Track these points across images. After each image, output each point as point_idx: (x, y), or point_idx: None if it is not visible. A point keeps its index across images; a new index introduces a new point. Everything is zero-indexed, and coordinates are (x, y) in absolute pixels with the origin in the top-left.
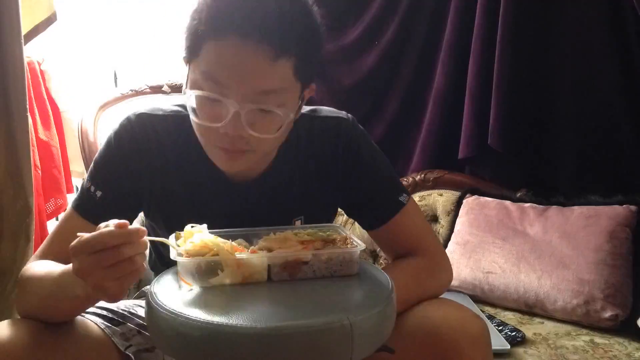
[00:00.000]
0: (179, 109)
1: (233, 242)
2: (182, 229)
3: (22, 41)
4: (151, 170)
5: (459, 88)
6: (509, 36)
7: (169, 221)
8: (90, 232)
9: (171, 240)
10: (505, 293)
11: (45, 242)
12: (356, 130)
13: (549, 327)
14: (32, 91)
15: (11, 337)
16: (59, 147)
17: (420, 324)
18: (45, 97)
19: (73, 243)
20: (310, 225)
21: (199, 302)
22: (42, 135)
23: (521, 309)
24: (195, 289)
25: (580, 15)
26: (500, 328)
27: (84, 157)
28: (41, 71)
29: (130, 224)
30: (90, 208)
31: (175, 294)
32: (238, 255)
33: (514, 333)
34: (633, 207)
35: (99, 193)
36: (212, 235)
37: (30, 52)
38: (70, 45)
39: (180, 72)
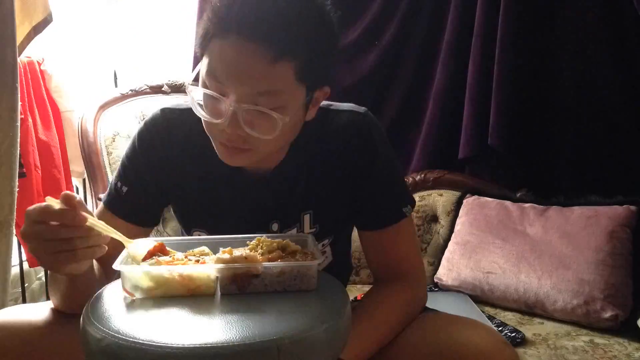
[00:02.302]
0: None
1: (183, 253)
2: (196, 224)
3: (16, 44)
4: (171, 164)
5: (459, 88)
6: (509, 36)
7: (186, 215)
8: (119, 228)
9: (128, 246)
10: (505, 293)
11: None
12: (372, 128)
13: (548, 327)
14: (32, 91)
15: (30, 321)
16: (59, 147)
17: (448, 345)
18: (45, 97)
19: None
20: (277, 235)
21: (131, 316)
22: (42, 135)
23: (521, 309)
24: (137, 300)
25: (580, 15)
26: (500, 329)
27: (84, 157)
28: (41, 71)
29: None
30: (118, 204)
31: (108, 306)
32: (181, 267)
33: (513, 334)
34: (633, 207)
35: (124, 189)
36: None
37: (31, 52)
38: (70, 45)
39: (179, 72)
